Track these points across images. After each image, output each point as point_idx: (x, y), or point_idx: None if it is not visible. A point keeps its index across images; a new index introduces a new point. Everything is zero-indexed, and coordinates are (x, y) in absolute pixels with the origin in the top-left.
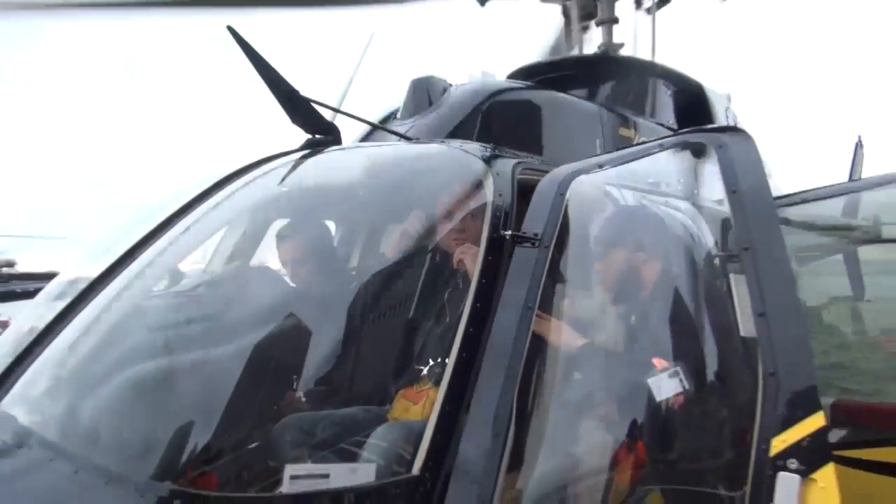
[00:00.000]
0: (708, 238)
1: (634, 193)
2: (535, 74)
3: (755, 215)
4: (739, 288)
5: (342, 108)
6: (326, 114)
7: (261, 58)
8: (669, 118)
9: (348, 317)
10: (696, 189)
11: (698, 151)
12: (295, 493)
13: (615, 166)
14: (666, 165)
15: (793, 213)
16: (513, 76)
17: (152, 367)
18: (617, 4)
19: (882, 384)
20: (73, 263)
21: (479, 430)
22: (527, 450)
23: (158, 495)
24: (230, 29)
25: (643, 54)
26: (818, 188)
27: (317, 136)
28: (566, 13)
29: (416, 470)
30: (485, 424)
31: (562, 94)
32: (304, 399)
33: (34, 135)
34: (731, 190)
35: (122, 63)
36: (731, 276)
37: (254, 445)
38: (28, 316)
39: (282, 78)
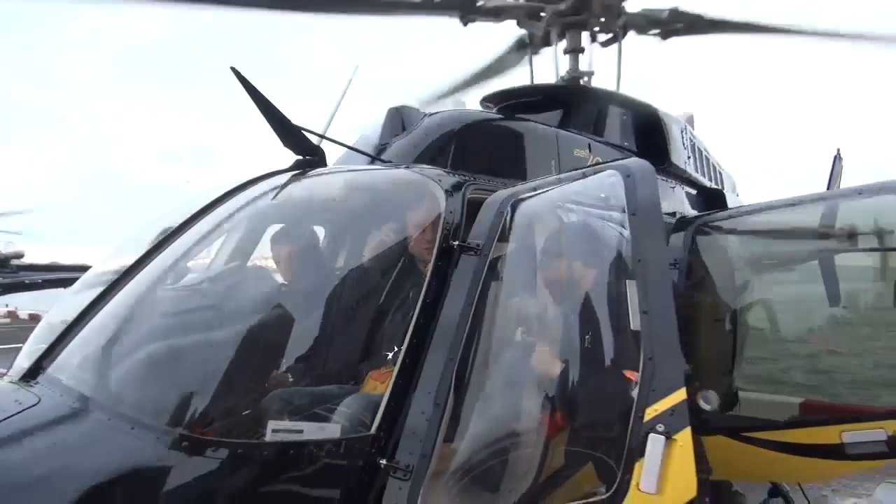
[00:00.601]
0: (615, 250)
1: (561, 211)
2: (506, 99)
3: (646, 234)
4: (632, 291)
5: (327, 134)
6: (314, 137)
7: (258, 92)
8: (627, 140)
9: (327, 309)
10: (609, 209)
11: (611, 179)
12: (274, 441)
13: (546, 190)
14: (587, 189)
15: (752, 221)
16: (486, 99)
17: (166, 344)
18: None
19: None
20: (104, 259)
21: (423, 400)
22: (461, 416)
23: (172, 438)
24: (233, 69)
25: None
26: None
27: (305, 157)
28: (534, 41)
29: (373, 430)
30: (428, 396)
31: (521, 121)
32: (290, 377)
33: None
34: (632, 213)
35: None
36: (627, 282)
37: (245, 406)
38: (65, 301)
39: (276, 108)
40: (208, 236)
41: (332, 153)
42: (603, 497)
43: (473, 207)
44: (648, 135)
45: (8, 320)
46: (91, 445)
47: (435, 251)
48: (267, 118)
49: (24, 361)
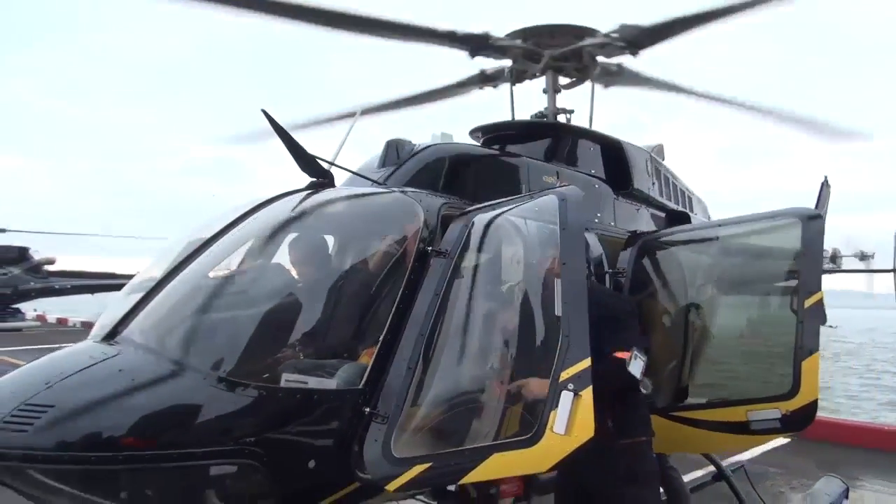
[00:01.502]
0: (549, 256)
1: (512, 225)
2: (491, 132)
3: (571, 244)
4: (559, 286)
5: (336, 161)
6: (325, 164)
7: (282, 128)
8: (595, 169)
9: (330, 301)
10: (547, 224)
11: (551, 201)
12: (286, 387)
13: (503, 209)
14: (532, 209)
15: (684, 238)
16: (474, 131)
17: (210, 315)
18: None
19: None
20: (154, 259)
21: (399, 366)
22: (426, 378)
23: (214, 378)
24: (263, 111)
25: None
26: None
27: (318, 179)
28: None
29: (360, 386)
30: (403, 363)
31: (495, 152)
32: (301, 351)
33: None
34: (562, 228)
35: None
36: (556, 279)
37: (267, 364)
38: (130, 286)
39: (295, 141)
40: (241, 239)
41: (339, 177)
42: (529, 436)
43: (446, 221)
44: (614, 164)
45: (38, 323)
46: (158, 381)
47: (413, 255)
48: (288, 149)
49: (101, 330)
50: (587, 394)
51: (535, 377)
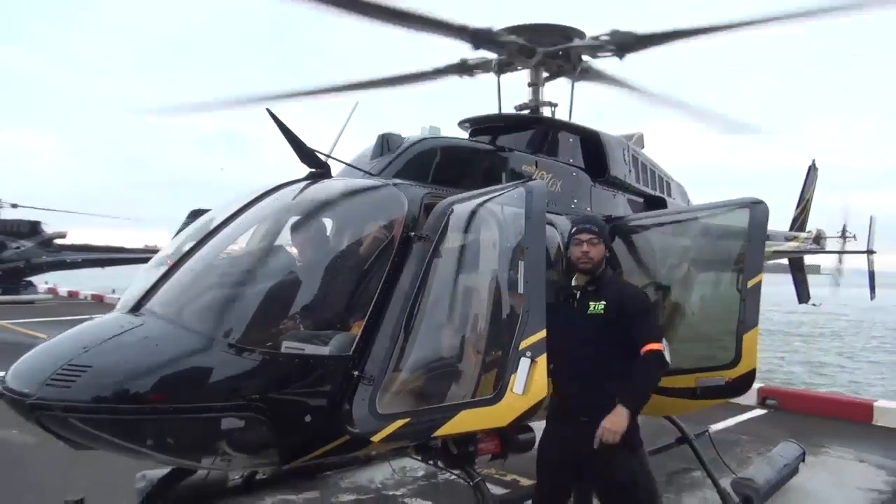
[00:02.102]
0: (515, 240)
1: (484, 213)
2: (480, 123)
3: (533, 231)
4: (522, 267)
5: (333, 154)
6: (322, 156)
7: (284, 125)
8: (574, 158)
9: (325, 278)
10: (514, 213)
11: (518, 192)
12: (285, 352)
13: (477, 198)
14: (503, 199)
15: (647, 223)
16: (462, 122)
17: (221, 290)
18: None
19: None
20: (170, 243)
21: (384, 336)
22: (406, 346)
23: (224, 344)
24: (268, 110)
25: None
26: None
27: (316, 170)
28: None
29: (350, 352)
30: (386, 333)
31: (478, 143)
32: (300, 322)
33: None
34: (527, 216)
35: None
36: (520, 262)
37: (269, 332)
38: (151, 264)
39: (296, 135)
40: (248, 223)
41: (336, 168)
42: (492, 396)
43: (429, 209)
44: (592, 153)
45: (50, 296)
46: (177, 346)
47: (398, 239)
48: (290, 143)
49: (127, 303)
50: (542, 360)
51: (499, 346)
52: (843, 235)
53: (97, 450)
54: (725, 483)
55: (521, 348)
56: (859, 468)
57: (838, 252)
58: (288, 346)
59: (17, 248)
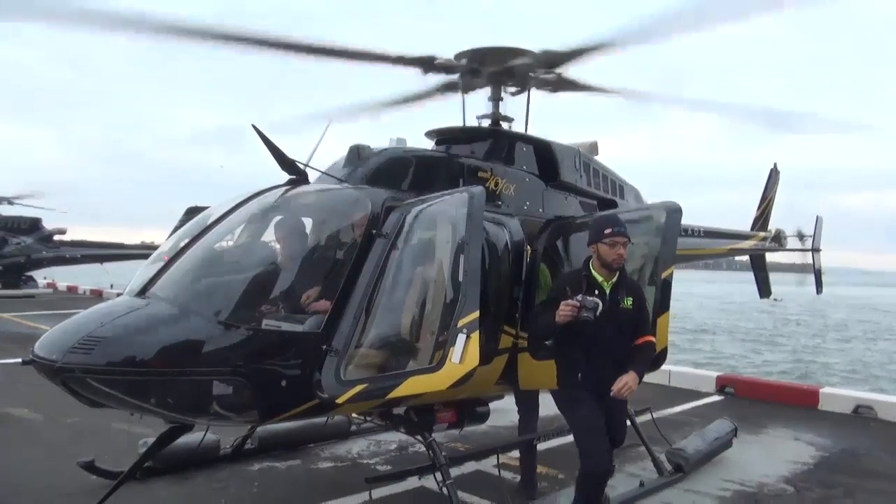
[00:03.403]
0: (458, 236)
1: (435, 213)
2: (442, 135)
3: (472, 228)
4: (462, 259)
5: (310, 163)
6: (301, 165)
7: (266, 137)
8: (527, 166)
9: (301, 268)
10: (459, 213)
11: (463, 196)
12: (263, 329)
13: (430, 201)
14: (450, 201)
15: (578, 224)
16: (429, 133)
17: (213, 278)
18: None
19: None
20: (169, 238)
21: (348, 317)
22: (367, 325)
23: (214, 321)
24: (253, 125)
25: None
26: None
27: (295, 176)
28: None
29: (320, 330)
30: (351, 312)
31: (438, 153)
32: (279, 305)
33: None
34: (468, 216)
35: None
36: (461, 255)
37: (252, 312)
38: (154, 257)
39: (276, 147)
40: (236, 222)
41: (313, 176)
42: (434, 365)
43: (389, 211)
44: (544, 161)
45: (50, 290)
46: (177, 322)
47: (362, 236)
48: (272, 154)
49: (134, 288)
50: (475, 336)
51: (442, 325)
52: (800, 235)
53: (111, 407)
54: (662, 454)
55: (458, 326)
56: (792, 444)
57: (794, 250)
58: (268, 323)
59: (18, 243)
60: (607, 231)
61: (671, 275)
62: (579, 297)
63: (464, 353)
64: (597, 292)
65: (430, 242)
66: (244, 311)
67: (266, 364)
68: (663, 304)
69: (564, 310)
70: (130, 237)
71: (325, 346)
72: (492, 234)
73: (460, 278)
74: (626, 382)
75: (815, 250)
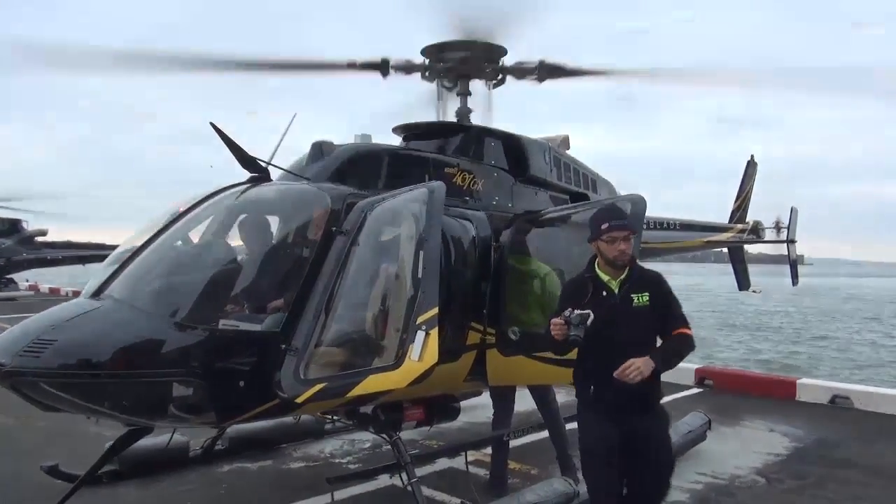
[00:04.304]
0: (418, 231)
1: (395, 209)
2: (410, 130)
3: (431, 224)
4: (421, 255)
5: (274, 159)
6: (263, 162)
7: (227, 136)
8: (496, 160)
9: (260, 267)
10: (419, 209)
11: (422, 192)
12: (221, 328)
13: (391, 197)
14: (410, 197)
15: (547, 217)
16: (394, 130)
17: (168, 278)
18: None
19: None
20: (129, 237)
21: (307, 314)
22: (326, 323)
23: (171, 322)
24: (211, 123)
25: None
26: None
27: (257, 174)
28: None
29: (279, 329)
30: (311, 311)
31: (402, 149)
32: (237, 305)
33: None
34: (428, 212)
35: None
36: (420, 251)
37: (209, 312)
38: (108, 259)
39: (238, 145)
40: (194, 221)
41: (276, 174)
42: (394, 363)
43: (350, 207)
44: (513, 155)
45: (31, 293)
46: (130, 323)
47: (322, 233)
48: (232, 152)
49: (90, 289)
50: (434, 332)
51: (401, 322)
52: (778, 227)
53: (65, 412)
54: None
55: (417, 322)
56: (766, 436)
57: (772, 241)
58: (225, 323)
59: None
60: (604, 227)
61: None
62: (567, 312)
63: (423, 350)
64: (604, 294)
65: (389, 239)
66: (200, 310)
67: (223, 364)
68: None
69: (553, 330)
70: (119, 238)
71: (284, 346)
72: (458, 230)
73: (419, 274)
74: (634, 364)
75: (791, 241)
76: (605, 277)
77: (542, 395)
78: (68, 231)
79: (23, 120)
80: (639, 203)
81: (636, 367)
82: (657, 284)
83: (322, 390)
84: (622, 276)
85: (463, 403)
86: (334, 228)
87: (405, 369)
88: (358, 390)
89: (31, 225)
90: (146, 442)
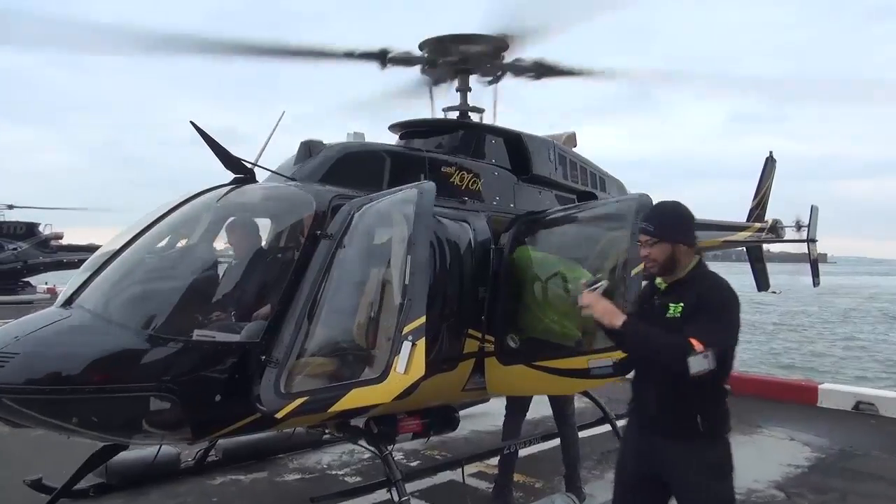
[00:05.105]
0: (407, 234)
1: (383, 211)
2: (407, 128)
3: (420, 227)
4: (408, 260)
5: (259, 161)
6: (249, 163)
7: (208, 136)
8: (498, 158)
9: (239, 274)
10: (407, 211)
11: (412, 193)
12: (195, 339)
13: (378, 198)
14: (399, 198)
15: (550, 219)
16: (392, 127)
17: (142, 287)
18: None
19: None
20: (108, 241)
21: (289, 324)
22: (309, 334)
23: (142, 333)
24: (192, 122)
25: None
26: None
27: (242, 175)
28: (434, 83)
29: (259, 339)
30: (291, 320)
31: (395, 147)
32: (214, 315)
33: None
34: (416, 214)
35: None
36: (407, 256)
37: (183, 323)
38: (84, 266)
39: (220, 145)
40: (172, 226)
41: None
42: (378, 375)
43: (336, 209)
44: (515, 154)
45: (49, 296)
46: (99, 335)
47: (306, 237)
48: (214, 152)
49: (62, 298)
50: (421, 343)
51: (387, 332)
52: (798, 225)
53: (31, 427)
54: None
55: (403, 333)
56: (786, 445)
57: (792, 241)
58: (201, 334)
59: (14, 249)
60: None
61: (642, 272)
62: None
63: (409, 363)
64: (655, 298)
65: (375, 243)
66: (173, 320)
67: (198, 377)
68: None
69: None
70: None
71: (264, 357)
72: (454, 232)
73: (406, 281)
74: (588, 299)
75: (811, 241)
76: (659, 282)
77: (562, 408)
78: (94, 233)
79: (44, 122)
80: (645, 204)
81: (588, 302)
82: (700, 296)
83: (304, 404)
84: (668, 282)
85: (471, 411)
86: (318, 232)
87: (390, 382)
88: (341, 405)
89: (52, 228)
90: (134, 454)
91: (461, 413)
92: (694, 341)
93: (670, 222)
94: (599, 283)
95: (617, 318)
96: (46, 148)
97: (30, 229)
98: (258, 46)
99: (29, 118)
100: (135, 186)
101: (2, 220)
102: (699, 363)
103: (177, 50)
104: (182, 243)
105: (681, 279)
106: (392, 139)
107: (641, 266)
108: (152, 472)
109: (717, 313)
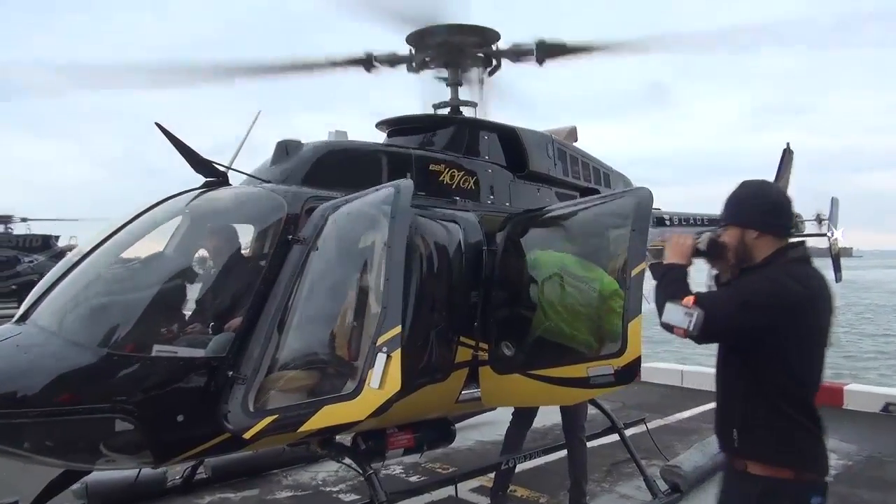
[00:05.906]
0: (382, 237)
1: (358, 214)
2: (395, 125)
3: (397, 229)
4: (383, 265)
5: (234, 163)
6: (222, 166)
7: (174, 137)
8: (492, 155)
9: (205, 283)
10: (384, 211)
11: (389, 191)
12: (155, 356)
13: (354, 198)
14: (375, 198)
15: (548, 217)
16: (380, 124)
17: (100, 301)
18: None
19: None
20: (77, 247)
21: (258, 336)
22: (278, 347)
23: (99, 351)
24: (157, 124)
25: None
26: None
27: (214, 178)
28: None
29: (224, 353)
30: (262, 332)
31: (381, 145)
32: (176, 328)
33: None
34: (392, 216)
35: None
36: (382, 262)
37: (142, 338)
38: (45, 276)
39: (189, 147)
40: (135, 234)
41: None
42: (351, 391)
43: (311, 212)
44: (511, 149)
45: None
46: (52, 355)
47: (276, 243)
48: (183, 155)
49: (20, 311)
50: (396, 355)
51: (361, 344)
52: (819, 219)
53: None
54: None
55: (378, 344)
56: None
57: (812, 235)
58: (161, 349)
59: (31, 262)
60: None
61: (643, 272)
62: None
63: (384, 377)
64: None
65: (350, 247)
66: (132, 336)
67: (157, 396)
68: (634, 307)
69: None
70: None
71: (231, 373)
72: (442, 235)
73: (381, 287)
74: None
75: (832, 235)
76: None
77: (572, 420)
78: None
79: (64, 137)
80: (645, 198)
81: (677, 240)
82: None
83: (273, 423)
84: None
85: (477, 420)
86: (290, 237)
87: (364, 399)
88: (311, 424)
89: (67, 240)
90: (117, 474)
91: (468, 422)
92: (688, 297)
93: (740, 202)
94: (704, 237)
95: (675, 257)
96: (68, 159)
97: (45, 242)
98: (249, 68)
99: (52, 131)
100: (156, 196)
101: (19, 233)
102: (675, 313)
103: (177, 82)
104: (145, 252)
105: (745, 269)
106: (380, 137)
107: (643, 265)
108: (137, 493)
109: (733, 287)
